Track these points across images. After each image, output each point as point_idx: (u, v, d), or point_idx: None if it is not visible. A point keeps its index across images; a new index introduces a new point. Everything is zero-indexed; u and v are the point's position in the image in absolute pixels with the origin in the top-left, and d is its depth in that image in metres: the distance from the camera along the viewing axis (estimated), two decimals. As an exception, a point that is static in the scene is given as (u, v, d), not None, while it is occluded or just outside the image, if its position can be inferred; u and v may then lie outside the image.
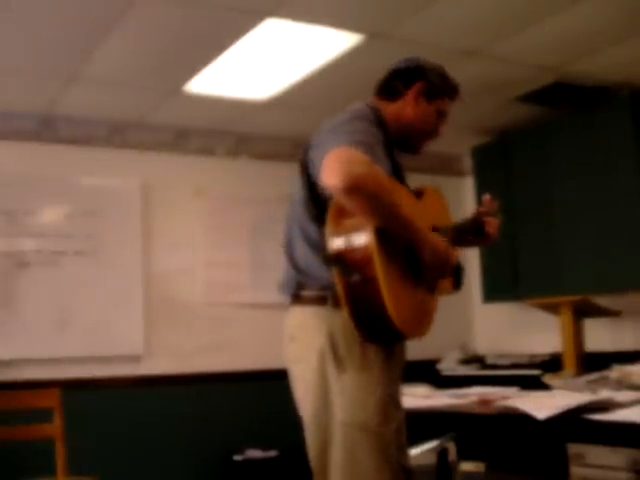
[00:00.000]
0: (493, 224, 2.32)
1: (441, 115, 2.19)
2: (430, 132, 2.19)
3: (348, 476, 1.92)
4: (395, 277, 1.84)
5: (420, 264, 1.93)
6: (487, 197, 2.35)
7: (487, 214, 2.33)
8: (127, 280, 4.59)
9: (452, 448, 2.68)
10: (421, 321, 1.98)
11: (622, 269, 4.29)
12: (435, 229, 2.05)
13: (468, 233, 2.31)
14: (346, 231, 1.83)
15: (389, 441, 1.92)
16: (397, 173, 2.06)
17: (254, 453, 4.60)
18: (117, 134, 4.73)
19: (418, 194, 2.12)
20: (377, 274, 1.77)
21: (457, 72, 4.37)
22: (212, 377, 4.74)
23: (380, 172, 1.80)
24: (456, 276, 2.11)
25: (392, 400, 1.95)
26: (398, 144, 2.12)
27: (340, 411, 1.92)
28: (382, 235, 1.80)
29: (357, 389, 1.90)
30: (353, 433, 1.91)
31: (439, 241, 1.95)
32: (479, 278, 5.30)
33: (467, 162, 5.65)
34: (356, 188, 1.72)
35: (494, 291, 5.20)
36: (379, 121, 2.02)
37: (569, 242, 4.61)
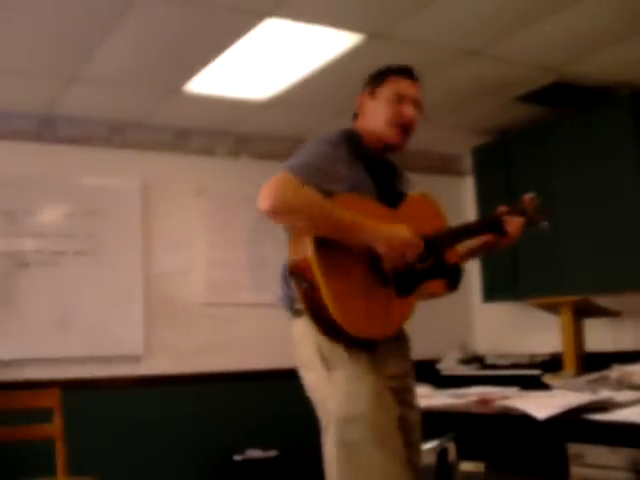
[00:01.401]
0: (515, 223, 2.32)
1: (400, 99, 2.15)
2: (390, 121, 2.15)
3: (348, 471, 1.94)
4: (341, 281, 1.93)
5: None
6: (528, 196, 2.44)
7: (509, 212, 2.34)
8: (127, 280, 4.59)
9: (452, 448, 2.69)
10: (377, 322, 2.00)
11: (622, 269, 4.29)
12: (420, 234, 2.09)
13: (481, 232, 2.33)
14: (296, 245, 1.99)
15: (390, 431, 1.96)
16: (378, 182, 2.14)
17: (254, 453, 4.60)
18: (117, 134, 4.73)
19: (395, 202, 2.15)
20: (317, 281, 1.90)
21: (457, 72, 4.41)
22: (212, 377, 4.74)
23: (306, 192, 1.92)
24: (452, 276, 2.15)
25: (388, 392, 2.00)
26: (385, 151, 2.21)
27: (335, 409, 1.97)
28: (323, 244, 1.93)
29: (349, 382, 1.97)
30: (352, 426, 1.94)
31: (396, 231, 1.99)
32: (479, 278, 5.30)
33: (467, 162, 5.65)
34: (280, 210, 1.91)
35: (494, 291, 5.20)
36: (350, 140, 2.11)
37: (569, 242, 4.60)
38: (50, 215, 4.49)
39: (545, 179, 4.74)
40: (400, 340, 2.17)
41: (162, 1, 3.17)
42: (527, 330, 5.23)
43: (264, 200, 1.90)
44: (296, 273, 1.96)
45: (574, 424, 2.02)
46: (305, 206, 1.92)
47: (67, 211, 4.52)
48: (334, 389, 1.98)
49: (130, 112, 4.56)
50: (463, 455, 2.73)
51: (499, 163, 5.10)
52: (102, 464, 4.04)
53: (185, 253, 4.77)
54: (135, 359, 4.58)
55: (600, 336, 4.53)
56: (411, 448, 2.09)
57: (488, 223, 2.37)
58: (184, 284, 4.76)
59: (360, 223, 1.96)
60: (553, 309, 4.46)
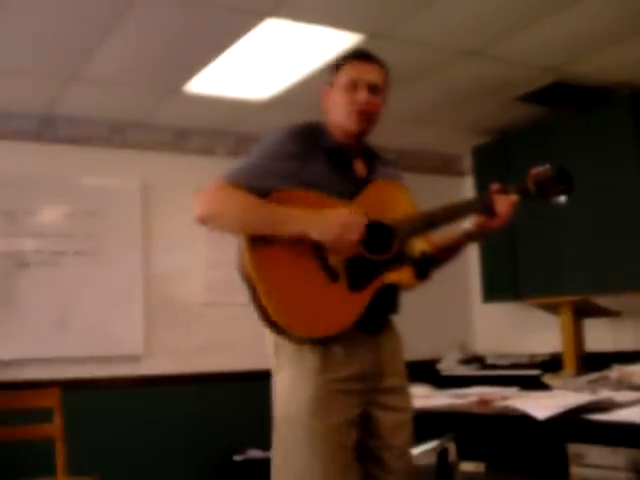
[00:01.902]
0: (505, 201, 2.10)
1: (354, 85, 2.06)
2: (347, 108, 2.07)
3: (284, 473, 1.94)
4: (282, 280, 1.90)
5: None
6: (535, 170, 2.19)
7: (502, 191, 2.13)
8: (127, 280, 4.59)
9: (452, 448, 2.68)
10: (320, 320, 1.91)
11: (622, 269, 4.29)
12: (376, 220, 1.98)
13: (463, 216, 2.13)
14: (240, 249, 1.96)
15: (329, 436, 1.90)
16: (345, 173, 2.06)
17: (254, 453, 4.59)
18: (117, 134, 4.73)
19: (354, 193, 2.03)
20: (254, 283, 1.89)
21: (457, 72, 4.41)
22: (212, 377, 4.74)
23: (233, 195, 1.92)
24: (420, 265, 2.03)
25: (337, 395, 1.92)
26: (356, 139, 2.11)
27: (277, 409, 1.98)
28: (264, 244, 1.90)
29: (290, 382, 1.95)
30: (288, 428, 1.94)
31: (329, 214, 1.90)
32: (479, 278, 5.30)
33: (467, 162, 5.65)
34: (206, 218, 1.95)
35: (494, 291, 5.20)
36: (312, 133, 2.07)
37: (569, 242, 4.61)
38: (50, 215, 4.49)
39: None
40: (381, 337, 2.04)
41: (162, 1, 3.17)
42: (527, 330, 5.23)
43: (194, 209, 1.95)
44: (242, 277, 1.94)
45: (574, 424, 2.02)
46: (230, 210, 1.94)
47: (67, 211, 4.52)
48: (279, 389, 1.98)
49: (130, 112, 4.56)
50: (463, 455, 2.73)
51: (499, 163, 5.10)
52: (102, 464, 4.04)
53: (185, 253, 4.77)
54: (135, 359, 4.58)
55: (600, 336, 4.53)
56: (389, 452, 2.01)
57: (472, 205, 2.18)
58: (184, 284, 4.76)
59: (289, 214, 1.90)
60: (553, 309, 4.46)
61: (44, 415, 3.64)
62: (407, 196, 2.13)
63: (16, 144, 4.43)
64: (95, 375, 4.43)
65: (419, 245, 2.07)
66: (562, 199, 2.21)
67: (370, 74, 2.08)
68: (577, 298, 4.30)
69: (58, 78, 3.97)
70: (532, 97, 4.53)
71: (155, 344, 4.63)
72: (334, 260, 1.93)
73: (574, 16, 3.45)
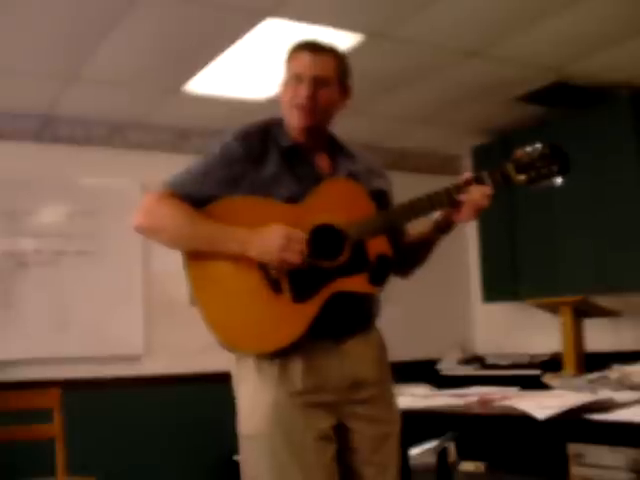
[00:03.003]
0: (473, 192, 1.93)
1: (297, 78, 1.98)
2: (289, 103, 1.97)
3: None
4: (219, 294, 1.85)
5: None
6: (520, 151, 2.08)
7: (471, 183, 1.96)
8: (127, 280, 4.59)
9: (452, 448, 2.68)
10: (257, 334, 1.83)
11: (622, 269, 4.29)
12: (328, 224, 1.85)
13: (437, 208, 1.95)
14: None
15: (289, 454, 1.79)
16: (297, 172, 1.93)
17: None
18: (117, 134, 4.73)
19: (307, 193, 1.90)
20: (195, 297, 1.87)
21: (457, 72, 4.40)
22: (212, 377, 4.72)
23: (170, 208, 1.90)
24: (375, 271, 1.87)
25: (298, 410, 1.82)
26: (308, 134, 1.97)
27: (239, 424, 1.90)
28: (204, 258, 1.87)
29: (247, 397, 1.87)
30: (247, 444, 1.87)
31: (265, 233, 1.79)
32: (479, 278, 5.30)
33: (467, 162, 5.65)
34: (142, 229, 1.97)
35: (494, 291, 5.20)
36: (267, 133, 1.99)
37: (569, 242, 4.61)
38: (50, 215, 4.49)
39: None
40: (351, 346, 1.90)
41: (162, 1, 3.17)
42: (527, 330, 5.23)
43: (134, 218, 1.95)
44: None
45: (574, 424, 2.02)
46: (168, 226, 1.91)
47: (67, 211, 4.52)
48: (241, 404, 1.90)
49: (130, 112, 4.56)
50: (463, 455, 2.73)
51: (499, 163, 5.09)
52: (102, 464, 4.04)
53: (185, 253, 4.76)
54: (135, 359, 4.58)
55: (600, 336, 4.53)
56: (370, 467, 1.90)
57: (438, 198, 1.93)
58: (184, 284, 4.74)
59: (227, 233, 1.82)
60: (553, 309, 4.46)
61: (44, 415, 3.64)
62: (363, 193, 1.94)
63: (16, 144, 4.43)
64: (95, 375, 4.43)
65: (377, 247, 1.89)
66: (557, 181, 2.00)
67: (315, 67, 1.96)
68: (577, 298, 4.30)
69: (58, 78, 3.97)
70: (532, 97, 4.53)
71: (155, 344, 4.63)
72: (277, 272, 1.82)
73: (574, 16, 3.45)
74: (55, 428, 3.62)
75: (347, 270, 1.84)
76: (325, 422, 1.85)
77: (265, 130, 2.00)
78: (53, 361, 4.31)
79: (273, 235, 1.79)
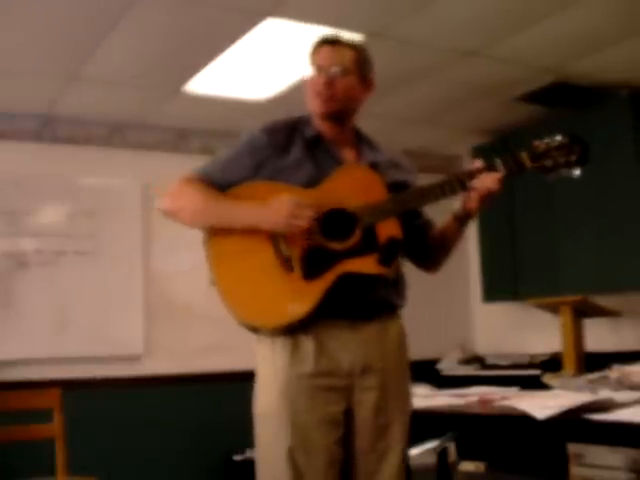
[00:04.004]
0: (488, 178, 1.97)
1: (318, 71, 2.05)
2: (310, 92, 2.06)
3: (258, 463, 2.05)
4: (236, 270, 1.96)
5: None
6: (537, 142, 2.03)
7: (482, 171, 1.99)
8: (127, 280, 4.59)
9: (452, 448, 2.68)
10: (267, 309, 1.93)
11: (622, 269, 4.29)
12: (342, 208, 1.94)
13: (449, 192, 1.97)
14: None
15: (293, 433, 1.89)
16: (319, 159, 2.02)
17: (254, 453, 4.59)
18: (117, 134, 4.73)
19: (314, 181, 1.98)
20: (213, 274, 2.01)
21: (457, 72, 4.40)
22: (212, 377, 4.74)
23: (192, 189, 2.01)
24: (384, 252, 1.93)
25: (307, 392, 1.90)
26: (330, 123, 2.07)
27: (253, 405, 2.06)
28: (223, 236, 1.98)
29: (262, 381, 2.01)
30: (259, 422, 2.03)
31: (275, 203, 1.90)
32: (479, 278, 5.30)
33: (467, 162, 5.65)
34: (167, 211, 2.09)
35: (494, 291, 5.20)
36: (295, 125, 2.06)
37: (569, 242, 4.61)
38: (50, 215, 4.49)
39: (545, 179, 4.74)
40: (368, 332, 1.96)
41: (162, 1, 3.17)
42: (527, 330, 5.23)
43: (160, 203, 2.07)
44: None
45: (574, 424, 2.02)
46: (189, 204, 2.01)
47: (67, 211, 4.52)
48: (256, 385, 2.05)
49: (130, 112, 4.56)
50: (463, 455, 2.73)
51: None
52: (102, 464, 4.04)
53: (185, 253, 4.75)
54: (135, 359, 4.58)
55: (600, 336, 4.53)
56: (374, 454, 1.95)
57: (450, 182, 1.97)
58: (184, 284, 4.75)
59: (241, 207, 1.96)
60: (553, 309, 4.45)
61: (44, 415, 3.64)
62: (380, 182, 2.00)
63: (16, 144, 4.43)
64: (95, 375, 4.43)
65: (388, 230, 1.95)
66: (575, 172, 1.98)
67: (333, 58, 2.03)
68: (577, 298, 4.30)
69: (58, 78, 3.97)
70: (532, 97, 4.53)
71: (155, 344, 4.63)
72: (289, 250, 1.93)
73: (574, 16, 3.45)
74: (55, 428, 3.62)
75: (357, 251, 1.92)
76: (336, 406, 1.92)
77: (291, 125, 2.09)
78: (53, 361, 4.31)
79: (282, 203, 1.89)
